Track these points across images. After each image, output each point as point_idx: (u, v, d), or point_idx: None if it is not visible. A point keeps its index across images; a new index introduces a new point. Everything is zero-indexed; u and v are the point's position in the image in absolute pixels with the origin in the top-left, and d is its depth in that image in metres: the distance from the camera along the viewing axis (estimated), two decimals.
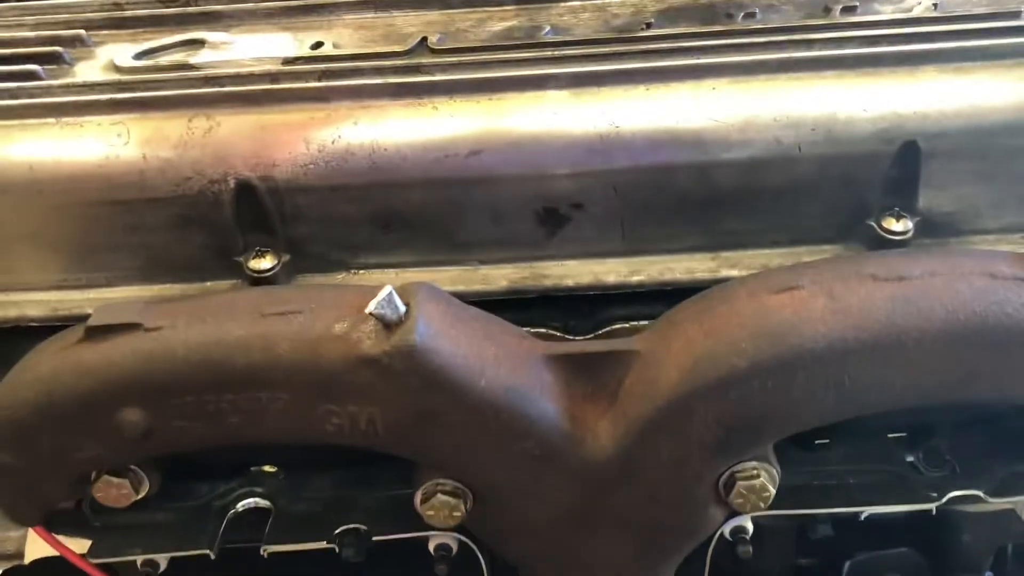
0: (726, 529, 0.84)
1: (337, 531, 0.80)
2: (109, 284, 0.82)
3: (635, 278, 0.81)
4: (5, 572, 0.95)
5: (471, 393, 0.68)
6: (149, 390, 0.70)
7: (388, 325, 0.68)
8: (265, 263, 0.79)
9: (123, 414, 0.70)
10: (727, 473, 0.73)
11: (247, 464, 0.89)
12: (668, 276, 0.81)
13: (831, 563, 1.07)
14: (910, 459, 0.87)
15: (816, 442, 0.87)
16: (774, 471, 0.73)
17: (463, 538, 0.80)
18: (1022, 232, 0.81)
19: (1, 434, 0.72)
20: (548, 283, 0.81)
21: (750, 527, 0.84)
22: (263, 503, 0.85)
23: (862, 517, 0.83)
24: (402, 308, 0.68)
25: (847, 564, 1.05)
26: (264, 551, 0.80)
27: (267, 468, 0.88)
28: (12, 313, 0.82)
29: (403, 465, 0.80)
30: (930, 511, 0.96)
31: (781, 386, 0.68)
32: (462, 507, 0.73)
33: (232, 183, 0.77)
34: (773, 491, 0.73)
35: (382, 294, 0.67)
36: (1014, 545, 1.01)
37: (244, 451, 0.89)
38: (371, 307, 0.67)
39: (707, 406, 0.68)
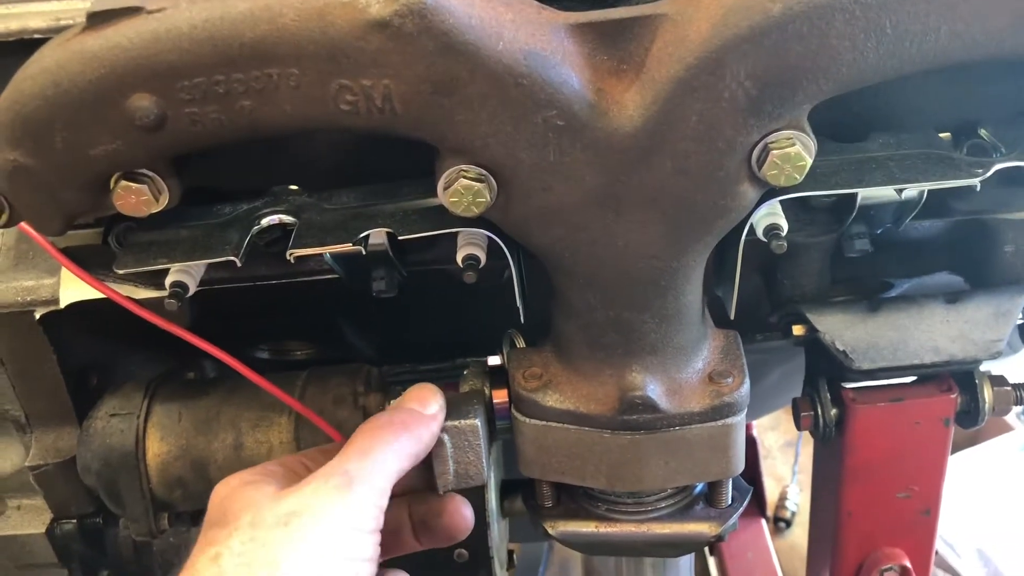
0: (759, 228, 0.82)
1: (361, 234, 0.79)
2: None
3: None
4: (42, 318, 0.97)
5: (488, 57, 0.65)
6: (156, 72, 0.67)
7: None
8: None
9: (133, 100, 0.68)
10: (760, 144, 0.70)
11: (269, 186, 0.88)
12: None
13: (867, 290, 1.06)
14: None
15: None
16: (810, 141, 0.70)
17: (490, 235, 0.78)
18: None
19: (13, 131, 0.70)
20: None
21: (784, 224, 0.82)
22: (287, 218, 0.84)
23: (902, 194, 0.80)
24: None
25: None
26: (290, 255, 0.79)
27: (290, 187, 0.87)
28: (14, 25, 0.79)
29: (425, 181, 0.78)
30: (970, 221, 0.95)
31: (818, 32, 0.64)
32: (485, 193, 0.71)
33: None
34: (809, 161, 0.69)
35: None
36: None
37: (264, 172, 0.88)
38: None
39: (739, 59, 0.65)
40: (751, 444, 2.48)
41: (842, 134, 0.82)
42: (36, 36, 0.79)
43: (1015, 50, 0.68)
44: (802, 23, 0.63)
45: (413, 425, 0.78)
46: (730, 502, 0.92)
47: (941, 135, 0.86)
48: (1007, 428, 2.34)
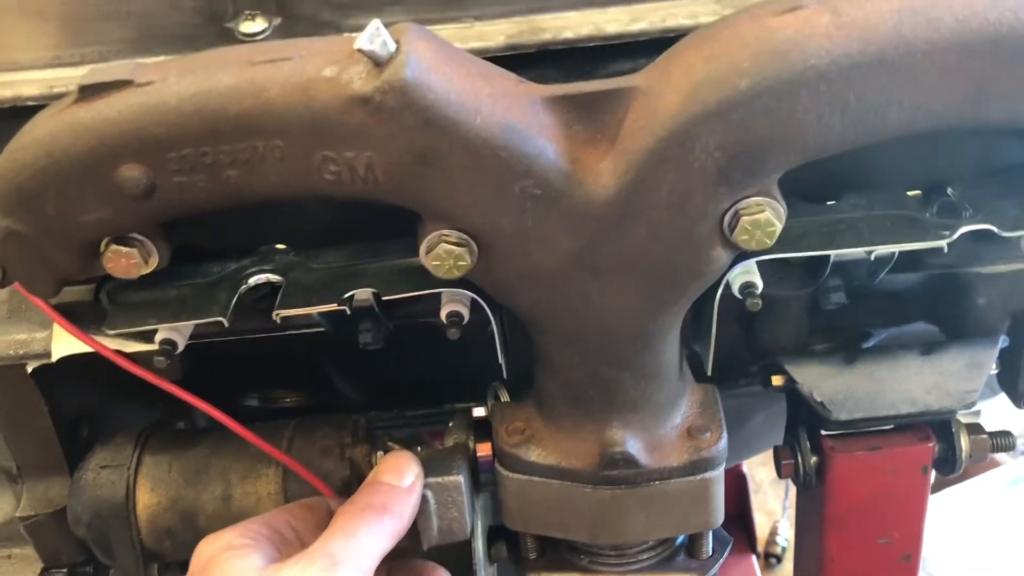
0: (735, 286, 0.84)
1: (347, 295, 0.81)
2: (103, 58, 0.82)
3: (636, 26, 0.79)
4: (35, 371, 0.98)
5: (467, 131, 0.67)
6: (145, 143, 0.69)
7: (378, 63, 0.67)
8: (256, 26, 0.78)
9: (122, 170, 0.70)
10: (731, 211, 0.72)
11: (257, 245, 0.90)
12: (670, 22, 0.79)
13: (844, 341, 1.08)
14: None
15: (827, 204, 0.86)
16: (779, 207, 0.72)
17: (473, 295, 0.80)
18: None
19: (7, 199, 0.72)
20: (547, 36, 0.80)
21: (759, 282, 0.84)
22: (274, 277, 0.85)
23: (873, 257, 0.82)
24: (392, 45, 0.66)
25: None
26: (276, 316, 0.81)
27: (278, 246, 0.89)
28: (8, 93, 0.82)
29: (409, 241, 0.80)
30: (944, 274, 0.97)
31: (785, 106, 0.66)
32: (466, 257, 0.73)
33: None
34: (779, 226, 0.72)
35: (370, 28, 0.65)
36: None
37: (252, 231, 0.90)
38: (360, 42, 0.65)
39: (709, 131, 0.67)
40: (741, 480, 2.48)
41: (814, 194, 0.85)
42: (29, 103, 0.81)
43: (976, 120, 0.70)
44: (769, 98, 0.66)
45: (392, 504, 0.79)
46: (711, 553, 0.93)
47: (912, 193, 0.88)
48: (994, 464, 2.35)
